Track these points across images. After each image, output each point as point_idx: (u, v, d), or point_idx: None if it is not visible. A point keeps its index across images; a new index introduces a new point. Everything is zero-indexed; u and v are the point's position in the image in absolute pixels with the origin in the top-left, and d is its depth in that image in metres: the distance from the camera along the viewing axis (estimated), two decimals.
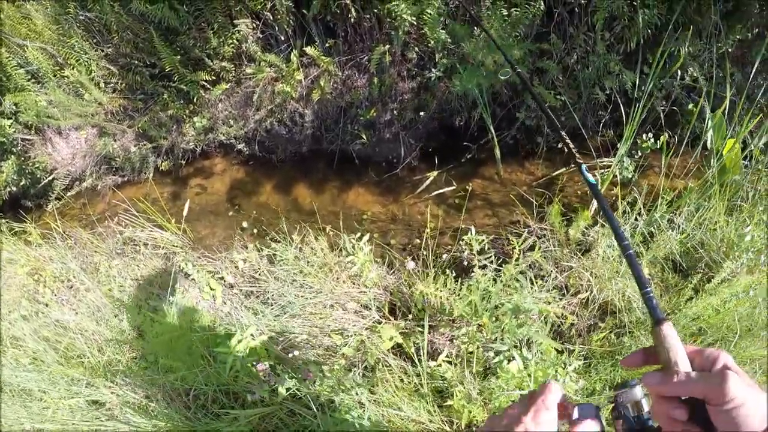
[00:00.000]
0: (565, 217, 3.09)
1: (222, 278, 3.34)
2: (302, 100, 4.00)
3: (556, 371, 2.28)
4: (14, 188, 4.34)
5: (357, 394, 2.42)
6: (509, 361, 2.38)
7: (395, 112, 3.96)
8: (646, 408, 0.74)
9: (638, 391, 0.75)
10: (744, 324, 2.43)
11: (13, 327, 3.29)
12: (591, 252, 2.91)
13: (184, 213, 3.53)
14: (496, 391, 2.31)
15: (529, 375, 2.24)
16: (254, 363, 2.64)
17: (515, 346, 2.41)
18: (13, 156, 4.27)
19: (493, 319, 2.46)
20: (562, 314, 2.61)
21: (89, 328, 3.20)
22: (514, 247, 2.73)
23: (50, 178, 4.31)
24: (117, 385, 2.84)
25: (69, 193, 4.31)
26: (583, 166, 1.03)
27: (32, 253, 3.68)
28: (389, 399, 2.42)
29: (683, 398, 0.69)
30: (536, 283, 2.72)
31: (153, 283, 3.39)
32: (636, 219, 3.02)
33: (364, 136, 3.97)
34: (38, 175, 4.35)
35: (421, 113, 3.93)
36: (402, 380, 2.52)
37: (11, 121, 4.21)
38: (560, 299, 2.76)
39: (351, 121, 4.04)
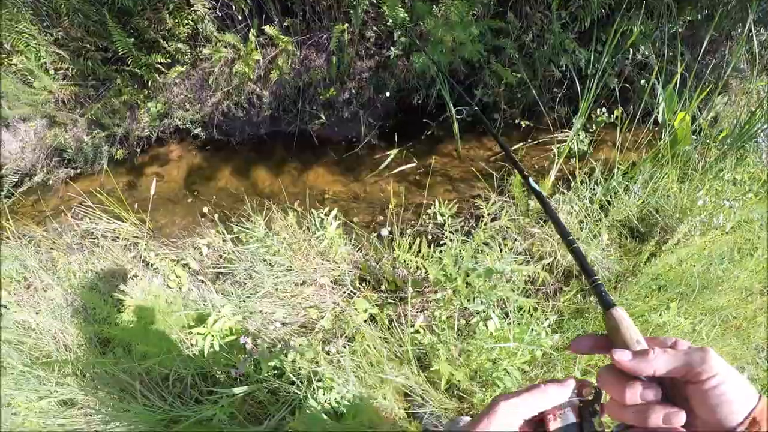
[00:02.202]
0: (524, 189, 3.16)
1: (186, 265, 3.29)
2: (260, 81, 3.96)
3: (532, 328, 2.33)
4: None
5: (340, 361, 2.45)
6: (486, 321, 2.41)
7: (354, 91, 3.97)
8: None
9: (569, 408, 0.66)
10: (701, 279, 2.56)
11: None
12: (548, 224, 3.00)
13: (151, 193, 3.45)
14: (475, 352, 2.34)
15: (507, 332, 2.28)
16: (235, 340, 2.61)
17: (490, 307, 2.44)
18: None
19: (466, 284, 2.53)
20: (535, 272, 2.68)
21: (53, 327, 3.12)
22: (481, 217, 2.80)
23: None
24: (89, 381, 2.77)
25: (19, 190, 4.15)
26: (530, 179, 0.99)
27: None
28: (371, 365, 2.46)
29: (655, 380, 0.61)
30: (504, 247, 2.80)
31: (116, 275, 3.31)
32: (594, 186, 3.14)
33: (323, 116, 3.98)
34: None
35: (380, 92, 3.97)
36: (383, 347, 2.56)
37: None
38: (526, 264, 2.85)
39: (310, 101, 4.02)
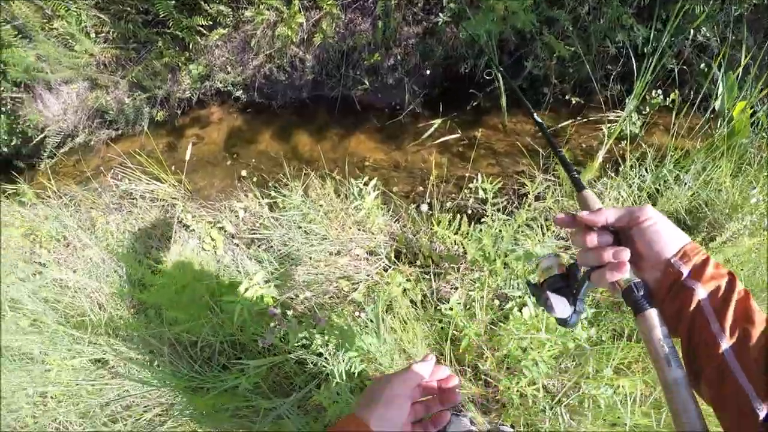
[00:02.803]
0: (577, 167, 2.99)
1: (222, 228, 3.24)
2: (303, 44, 3.85)
3: None
4: (5, 149, 4.21)
5: (372, 330, 2.38)
6: (521, 308, 2.31)
7: (399, 57, 3.83)
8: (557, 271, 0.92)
9: (553, 258, 0.93)
10: (746, 284, 2.35)
11: (11, 290, 3.24)
12: None
13: (187, 157, 3.43)
14: (506, 337, 2.27)
15: (541, 322, 2.17)
16: (263, 310, 2.57)
17: (527, 293, 2.33)
18: (2, 116, 4.15)
19: (504, 266, 2.42)
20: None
21: (89, 286, 3.11)
22: (525, 194, 2.66)
23: (42, 136, 4.18)
24: (120, 342, 2.76)
25: (62, 150, 4.19)
26: (535, 115, 1.15)
27: (27, 214, 3.61)
28: (402, 334, 2.38)
29: (608, 229, 0.82)
30: (547, 231, 2.65)
31: (152, 236, 3.30)
32: (644, 173, 2.95)
33: (366, 82, 3.85)
34: (29, 134, 4.23)
35: (426, 60, 3.83)
36: (415, 321, 2.48)
37: None
38: (567, 250, 2.69)
39: (353, 66, 3.90)
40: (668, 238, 0.76)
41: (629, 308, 0.78)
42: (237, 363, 2.43)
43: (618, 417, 2.01)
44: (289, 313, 2.56)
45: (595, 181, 2.97)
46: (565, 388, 2.19)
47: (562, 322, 0.89)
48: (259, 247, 3.09)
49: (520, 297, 2.36)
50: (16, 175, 3.96)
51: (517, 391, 2.19)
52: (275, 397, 2.44)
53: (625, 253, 0.77)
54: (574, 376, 2.23)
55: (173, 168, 3.60)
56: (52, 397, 2.82)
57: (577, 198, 0.92)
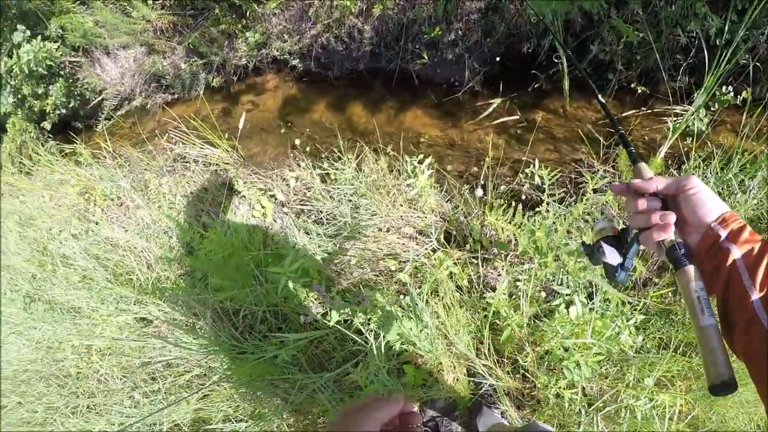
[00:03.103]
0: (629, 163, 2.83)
1: (273, 196, 3.23)
2: (362, 15, 3.77)
3: (617, 324, 2.14)
4: (63, 110, 4.32)
5: (417, 311, 2.32)
6: (568, 305, 2.26)
7: (460, 32, 3.71)
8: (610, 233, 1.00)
9: (607, 222, 1.02)
10: None
11: (64, 246, 3.30)
12: None
13: (240, 126, 3.43)
14: (549, 334, 2.21)
15: (587, 323, 2.10)
16: (308, 284, 2.55)
17: (576, 291, 2.26)
18: (61, 79, 4.23)
19: (555, 258, 2.31)
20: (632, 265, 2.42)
21: (139, 246, 3.16)
22: (581, 183, 2.55)
23: (99, 98, 4.27)
24: (165, 303, 2.80)
25: (118, 113, 4.27)
26: (599, 96, 1.20)
27: (83, 173, 3.67)
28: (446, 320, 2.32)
29: (658, 196, 0.90)
30: None
31: (203, 200, 3.31)
32: (708, 174, 2.76)
33: (425, 56, 3.75)
34: (87, 96, 4.32)
35: (488, 36, 3.70)
36: (459, 307, 2.41)
37: (58, 44, 4.17)
38: None
39: (412, 40, 3.80)
40: (710, 206, 0.84)
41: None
42: (278, 335, 2.41)
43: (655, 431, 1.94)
44: (333, 289, 2.53)
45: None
46: (604, 395, 2.12)
47: (612, 276, 0.96)
48: (308, 217, 3.06)
49: (568, 295, 2.29)
50: (74, 136, 4.03)
51: (555, 391, 2.14)
52: (312, 372, 2.43)
53: (671, 217, 0.85)
54: (615, 383, 2.16)
55: (227, 134, 3.59)
56: (96, 351, 2.86)
57: (633, 169, 0.99)
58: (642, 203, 0.89)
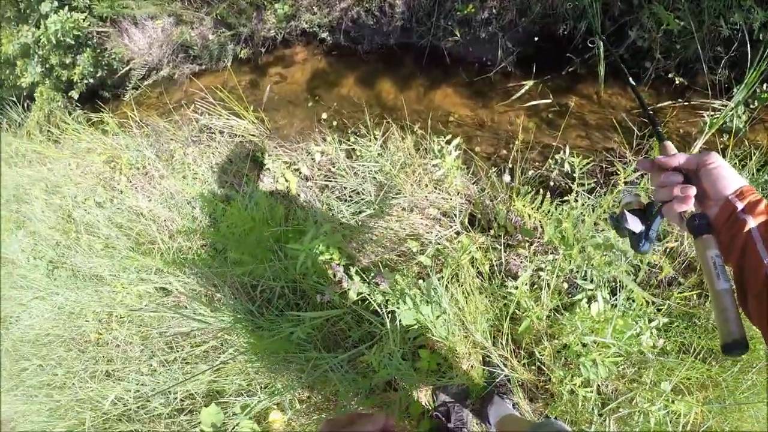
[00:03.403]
0: None
1: (298, 170, 3.20)
2: None
3: (639, 325, 2.09)
4: (91, 80, 4.35)
5: (436, 298, 2.29)
6: (590, 301, 2.20)
7: (494, 10, 3.60)
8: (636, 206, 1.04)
9: (633, 195, 1.06)
10: None
11: (88, 214, 3.33)
12: None
13: (264, 99, 3.40)
14: (568, 328, 2.16)
15: (608, 322, 2.04)
16: (327, 262, 2.52)
17: (600, 287, 2.21)
18: (88, 49, 4.26)
19: (581, 251, 2.24)
20: (657, 264, 2.32)
21: (162, 215, 3.18)
22: (612, 173, 2.46)
23: (127, 68, 4.27)
24: (185, 274, 2.82)
25: (146, 83, 4.28)
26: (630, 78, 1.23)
27: (109, 142, 3.70)
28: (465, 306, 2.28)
29: (680, 171, 0.95)
30: None
31: (227, 171, 3.30)
32: (742, 176, 2.64)
33: (457, 34, 3.65)
34: (115, 66, 4.33)
35: (523, 16, 3.59)
36: (478, 294, 2.36)
37: (85, 14, 4.19)
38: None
39: (445, 16, 3.70)
40: (729, 180, 0.88)
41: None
42: (294, 313, 2.42)
43: None
44: (353, 268, 2.51)
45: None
46: (619, 397, 2.09)
47: (636, 245, 1.02)
48: (331, 193, 3.03)
49: (591, 290, 2.23)
50: (101, 105, 4.06)
51: (569, 388, 2.09)
52: (327, 351, 2.43)
53: (692, 190, 0.90)
54: (631, 384, 2.12)
55: (253, 106, 3.56)
56: (116, 319, 2.90)
57: (659, 147, 1.03)
58: (665, 177, 0.95)
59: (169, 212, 3.17)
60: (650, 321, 2.15)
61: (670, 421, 1.91)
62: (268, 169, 3.21)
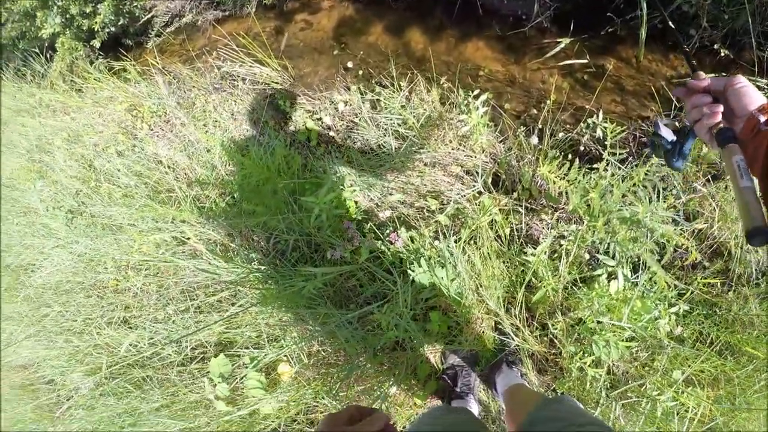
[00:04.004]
0: None
1: (320, 119, 3.13)
2: None
3: (658, 308, 2.01)
4: (113, 29, 4.30)
5: (450, 260, 2.21)
6: (610, 278, 2.12)
7: None
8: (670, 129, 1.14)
9: (666, 119, 1.15)
10: None
11: (108, 163, 3.33)
12: (720, 182, 2.44)
13: (281, 47, 3.31)
14: (584, 302, 2.12)
15: (625, 302, 1.96)
16: (343, 215, 2.48)
17: (621, 264, 2.11)
18: None
19: (606, 223, 2.12)
20: (684, 246, 2.20)
21: (181, 163, 3.18)
22: (646, 146, 2.34)
23: (149, 15, 4.21)
24: (200, 224, 2.82)
25: (168, 30, 4.22)
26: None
27: (130, 90, 3.67)
28: (481, 271, 2.21)
29: (709, 93, 1.03)
30: (660, 199, 2.28)
31: (248, 119, 3.26)
32: None
33: None
34: (137, 14, 4.26)
35: None
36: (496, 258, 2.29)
37: None
38: (674, 223, 2.32)
39: None
40: (754, 97, 0.96)
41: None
42: (306, 268, 2.38)
43: (670, 431, 1.87)
44: (369, 224, 2.47)
45: None
46: (629, 381, 2.05)
47: (669, 160, 1.13)
48: (353, 144, 2.95)
49: (612, 266, 2.14)
50: (124, 53, 4.01)
51: (579, 365, 2.04)
52: (338, 307, 2.42)
53: (719, 107, 0.99)
54: (643, 369, 2.07)
55: (277, 53, 3.48)
56: (133, 267, 2.96)
57: (692, 76, 1.08)
58: (695, 99, 1.03)
59: (189, 160, 3.15)
60: (670, 306, 2.08)
61: (677, 413, 1.87)
62: (290, 117, 3.14)
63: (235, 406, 2.29)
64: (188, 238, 2.78)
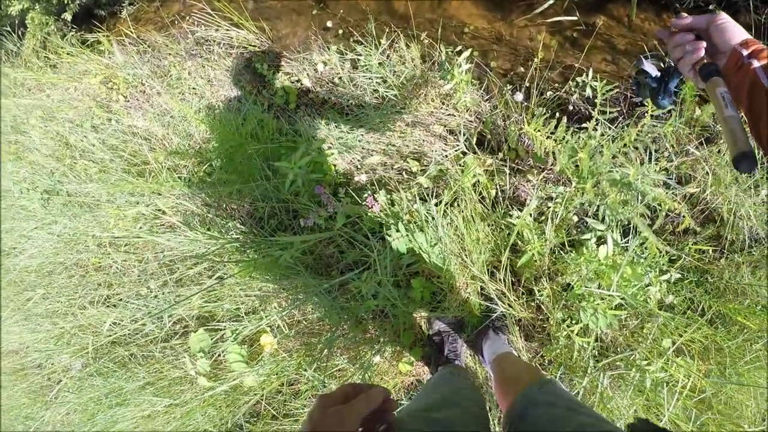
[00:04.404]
0: (696, 93, 2.39)
1: (298, 81, 3.03)
2: None
3: (649, 275, 1.94)
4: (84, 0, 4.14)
5: (430, 225, 2.13)
6: (599, 242, 2.03)
7: None
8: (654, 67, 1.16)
9: (645, 60, 1.17)
10: None
11: (84, 139, 3.27)
12: (713, 145, 2.35)
13: (250, 5, 3.19)
14: (571, 266, 2.04)
15: (615, 268, 1.89)
16: (320, 179, 2.40)
17: (611, 228, 2.03)
18: None
19: (594, 185, 2.03)
20: (677, 210, 2.08)
21: (158, 133, 3.10)
22: (636, 104, 2.31)
23: None
24: (175, 196, 2.76)
25: None
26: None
27: (104, 62, 3.56)
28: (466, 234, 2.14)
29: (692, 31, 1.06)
30: (652, 160, 2.18)
31: (225, 84, 3.17)
32: None
33: None
34: None
35: None
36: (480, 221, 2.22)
37: None
38: (666, 187, 2.25)
39: None
40: (736, 32, 0.98)
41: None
42: (282, 238, 2.32)
43: (659, 402, 1.84)
44: (346, 188, 2.41)
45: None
46: (617, 353, 2.01)
47: (655, 98, 1.16)
48: (333, 106, 2.86)
49: (601, 230, 2.05)
50: (98, 24, 3.90)
51: (567, 333, 1.98)
52: (318, 274, 2.38)
53: (701, 43, 1.01)
54: (632, 338, 2.04)
55: (254, 15, 3.37)
56: (111, 244, 2.91)
57: (677, 17, 1.08)
58: (678, 37, 1.05)
59: (165, 130, 3.08)
60: (661, 273, 2.01)
61: (667, 384, 1.83)
62: (268, 81, 3.05)
63: (218, 381, 2.25)
64: (163, 212, 2.72)
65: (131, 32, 3.60)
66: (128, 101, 3.42)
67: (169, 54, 3.46)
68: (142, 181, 2.80)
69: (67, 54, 3.68)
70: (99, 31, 3.69)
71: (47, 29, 4.14)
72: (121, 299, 2.75)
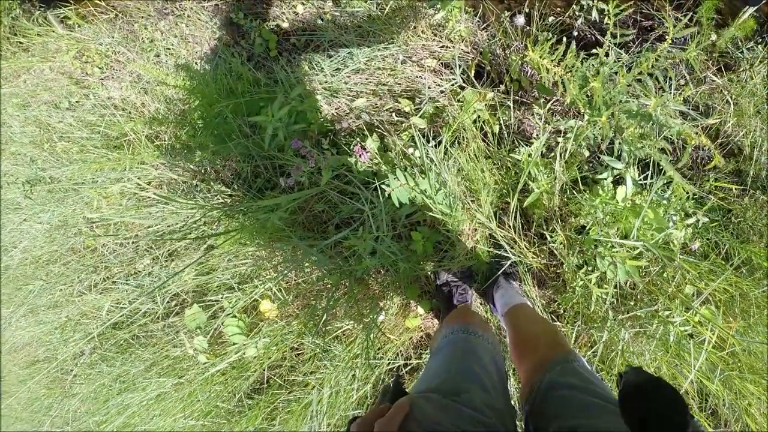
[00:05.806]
0: (718, 15, 2.19)
1: (277, 26, 2.84)
2: None
3: (674, 219, 1.76)
4: None
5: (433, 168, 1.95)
6: (616, 182, 1.90)
7: None
8: None
9: None
10: None
11: (61, 122, 3.19)
12: (731, 73, 2.13)
13: None
14: (585, 208, 1.89)
15: (634, 211, 1.73)
16: (304, 130, 2.26)
17: (628, 167, 1.84)
18: None
19: (610, 117, 1.81)
20: (706, 146, 1.83)
21: (137, 101, 2.99)
22: (650, 29, 2.14)
23: None
24: (154, 167, 2.68)
25: None
26: None
27: (75, 36, 3.40)
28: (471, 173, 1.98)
29: None
30: (670, 89, 1.95)
31: (200, 40, 3.01)
32: None
33: None
34: None
35: None
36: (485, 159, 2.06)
37: None
38: (683, 118, 2.01)
39: None
40: None
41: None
42: (268, 199, 2.18)
43: (683, 358, 1.71)
44: (334, 137, 2.28)
45: (742, 42, 2.18)
46: (638, 301, 1.89)
47: None
48: (314, 51, 2.67)
49: (618, 169, 1.87)
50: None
51: (582, 282, 1.82)
52: (313, 231, 2.28)
53: None
54: (653, 286, 1.87)
55: None
56: (100, 224, 2.86)
57: None
58: None
59: (143, 97, 2.95)
60: (686, 216, 1.82)
61: (691, 337, 1.69)
62: (245, 30, 2.86)
63: (218, 356, 2.17)
64: (148, 184, 2.61)
65: (99, 1, 3.43)
66: (104, 72, 3.28)
67: (141, 17, 3.28)
68: (121, 155, 2.70)
69: (37, 35, 3.55)
70: (67, 6, 3.53)
71: (13, 13, 3.98)
72: (114, 282, 2.70)
